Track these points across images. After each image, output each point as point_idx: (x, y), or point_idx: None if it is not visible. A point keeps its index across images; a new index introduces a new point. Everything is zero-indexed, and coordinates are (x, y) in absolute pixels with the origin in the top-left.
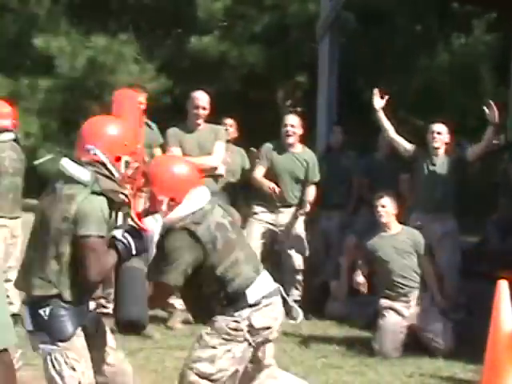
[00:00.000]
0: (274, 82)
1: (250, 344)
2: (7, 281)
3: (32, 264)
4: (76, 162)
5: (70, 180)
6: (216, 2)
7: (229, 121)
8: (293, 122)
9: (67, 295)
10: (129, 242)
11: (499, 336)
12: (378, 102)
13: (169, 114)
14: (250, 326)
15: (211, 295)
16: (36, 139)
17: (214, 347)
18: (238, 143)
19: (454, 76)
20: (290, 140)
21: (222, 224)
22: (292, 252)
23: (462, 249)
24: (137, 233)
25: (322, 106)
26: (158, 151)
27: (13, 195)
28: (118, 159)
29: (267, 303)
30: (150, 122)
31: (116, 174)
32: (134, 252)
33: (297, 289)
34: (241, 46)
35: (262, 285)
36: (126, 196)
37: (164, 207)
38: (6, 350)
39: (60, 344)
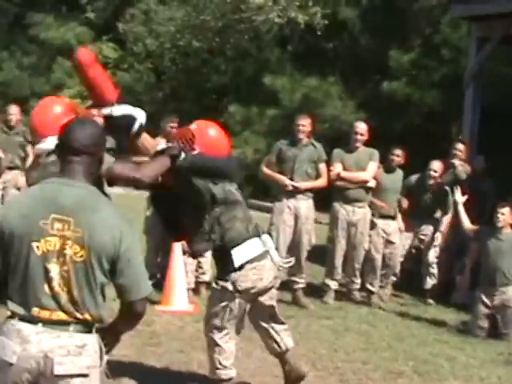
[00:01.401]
0: (448, 119)
1: (242, 299)
2: None
3: None
4: None
5: None
6: (404, 55)
7: (398, 151)
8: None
9: None
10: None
11: None
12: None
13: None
14: (235, 287)
15: (204, 235)
16: (263, 154)
17: (214, 304)
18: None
19: None
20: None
21: (232, 191)
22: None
23: None
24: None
25: (466, 137)
26: (322, 166)
27: None
28: None
29: (251, 267)
30: (315, 142)
31: None
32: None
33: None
34: (423, 90)
35: (248, 249)
36: None
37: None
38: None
39: None
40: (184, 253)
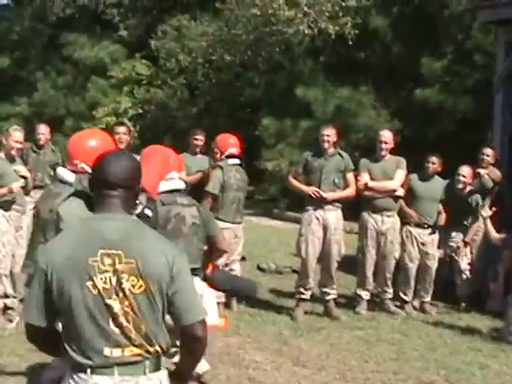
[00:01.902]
0: (481, 126)
1: None
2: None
3: None
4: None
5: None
6: (437, 62)
7: (433, 158)
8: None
9: None
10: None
11: None
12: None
13: (400, 149)
14: None
15: None
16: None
17: None
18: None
19: None
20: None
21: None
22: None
23: None
24: None
25: (497, 143)
26: (350, 175)
27: (236, 206)
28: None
29: None
30: (342, 152)
31: None
32: None
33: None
34: (456, 96)
35: None
36: None
37: None
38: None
39: None
40: None
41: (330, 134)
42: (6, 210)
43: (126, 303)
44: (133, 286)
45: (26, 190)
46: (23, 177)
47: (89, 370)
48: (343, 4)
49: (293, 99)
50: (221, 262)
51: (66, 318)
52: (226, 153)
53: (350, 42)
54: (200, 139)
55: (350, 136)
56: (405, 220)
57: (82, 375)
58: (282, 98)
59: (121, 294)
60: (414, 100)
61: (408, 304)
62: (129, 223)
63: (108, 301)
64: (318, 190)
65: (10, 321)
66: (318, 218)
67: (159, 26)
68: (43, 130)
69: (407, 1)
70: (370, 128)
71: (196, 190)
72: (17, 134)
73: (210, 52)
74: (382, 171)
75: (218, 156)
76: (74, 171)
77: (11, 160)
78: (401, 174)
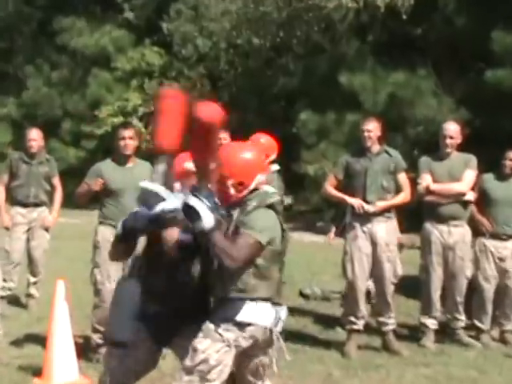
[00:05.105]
0: None
1: None
2: None
3: None
4: None
5: None
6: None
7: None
8: None
9: None
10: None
11: None
12: None
13: (469, 144)
14: None
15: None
16: None
17: None
18: None
19: None
20: None
21: None
22: None
23: None
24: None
25: None
26: (402, 176)
27: None
28: None
29: None
30: (389, 149)
31: None
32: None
33: None
34: None
35: None
36: None
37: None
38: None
39: None
40: None
41: (371, 128)
42: None
43: None
44: None
45: None
46: None
47: None
48: None
49: (336, 88)
50: None
51: None
52: (272, 157)
53: (404, 16)
54: (224, 138)
55: (407, 130)
56: (477, 230)
57: None
58: (323, 88)
59: None
60: (484, 84)
61: (485, 333)
62: None
63: None
64: (362, 203)
65: None
66: (364, 232)
67: (172, 5)
68: (35, 136)
69: None
70: (431, 120)
71: None
72: None
73: (234, 35)
74: (448, 171)
75: None
76: None
77: None
78: (470, 175)
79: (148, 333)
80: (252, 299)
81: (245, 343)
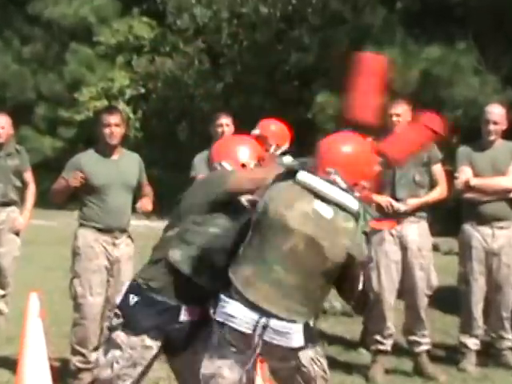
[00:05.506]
0: None
1: None
2: None
3: None
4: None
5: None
6: None
7: None
8: None
9: None
10: None
11: None
12: None
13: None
14: None
15: None
16: None
17: None
18: None
19: None
20: None
21: None
22: None
23: None
24: None
25: None
26: (437, 168)
27: None
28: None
29: None
30: None
31: None
32: None
33: None
34: None
35: None
36: None
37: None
38: None
39: None
40: None
41: (401, 112)
42: None
43: None
44: None
45: None
46: None
47: None
48: None
49: None
50: None
51: None
52: (284, 147)
53: None
54: (226, 124)
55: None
56: None
57: None
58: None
59: None
60: None
61: None
62: None
63: None
64: (391, 201)
65: None
66: (392, 235)
67: None
68: (3, 123)
69: None
70: (471, 102)
71: None
72: None
73: (238, 2)
74: (491, 163)
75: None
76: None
77: None
78: None
79: None
80: None
81: None
